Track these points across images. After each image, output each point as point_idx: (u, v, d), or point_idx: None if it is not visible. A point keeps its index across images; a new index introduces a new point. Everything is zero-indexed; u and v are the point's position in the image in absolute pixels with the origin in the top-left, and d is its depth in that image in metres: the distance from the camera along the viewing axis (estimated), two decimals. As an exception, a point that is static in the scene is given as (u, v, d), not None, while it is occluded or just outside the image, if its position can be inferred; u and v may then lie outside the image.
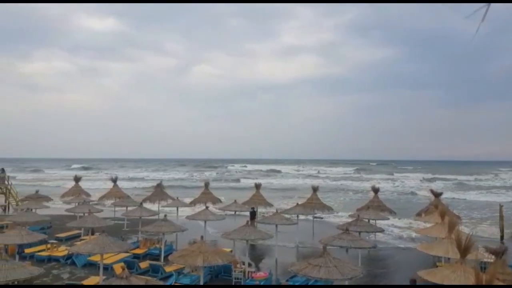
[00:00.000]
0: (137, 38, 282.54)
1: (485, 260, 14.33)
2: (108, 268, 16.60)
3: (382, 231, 23.41)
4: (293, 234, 23.78)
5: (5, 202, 35.66)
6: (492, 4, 2.78)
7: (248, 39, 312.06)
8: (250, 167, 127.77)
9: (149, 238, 22.47)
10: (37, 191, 32.41)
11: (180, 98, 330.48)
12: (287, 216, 22.61)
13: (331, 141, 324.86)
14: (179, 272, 16.84)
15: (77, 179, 34.82)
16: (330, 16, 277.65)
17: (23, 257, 18.59)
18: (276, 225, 20.54)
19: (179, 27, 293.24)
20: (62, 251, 19.96)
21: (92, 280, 15.72)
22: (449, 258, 14.59)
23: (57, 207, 32.52)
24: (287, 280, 15.99)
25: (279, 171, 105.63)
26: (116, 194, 32.55)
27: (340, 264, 11.63)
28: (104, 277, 14.82)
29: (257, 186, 31.09)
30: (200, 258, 13.20)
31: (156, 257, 19.53)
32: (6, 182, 36.10)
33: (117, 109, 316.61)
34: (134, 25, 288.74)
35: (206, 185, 32.79)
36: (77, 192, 33.30)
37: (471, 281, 9.51)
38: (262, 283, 15.74)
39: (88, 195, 33.29)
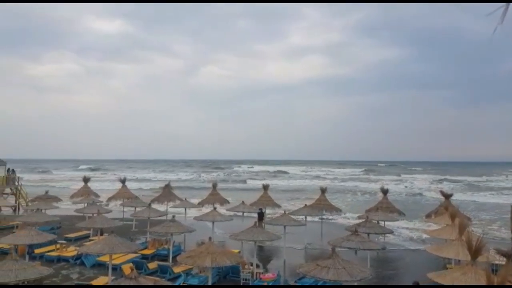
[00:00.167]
0: (145, 40, 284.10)
1: (496, 262, 14.23)
2: (116, 269, 16.64)
3: (391, 232, 23.21)
4: (301, 235, 23.72)
5: (15, 202, 36.00)
6: (505, 4, 2.70)
7: (256, 40, 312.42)
8: (257, 168, 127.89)
9: (158, 238, 22.55)
10: (46, 192, 32.70)
11: (187, 99, 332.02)
12: (295, 217, 22.53)
13: (339, 142, 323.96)
14: (187, 272, 16.91)
15: (86, 179, 35.18)
16: (338, 16, 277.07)
17: (33, 257, 18.73)
18: (284, 226, 20.49)
19: (187, 28, 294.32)
20: (71, 251, 20.13)
21: (101, 280, 15.85)
22: (459, 260, 14.43)
23: (66, 207, 32.75)
24: (295, 282, 15.94)
25: (286, 172, 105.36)
26: (125, 195, 32.81)
27: (349, 266, 11.56)
28: (113, 277, 14.89)
29: (265, 187, 31.06)
30: (208, 259, 13.22)
31: (165, 258, 19.59)
32: (16, 183, 36.47)
33: (125, 110, 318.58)
34: (142, 26, 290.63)
35: (214, 186, 32.89)
36: (86, 192, 33.63)
37: (482, 284, 9.39)
38: (270, 284, 15.71)
39: (97, 195, 33.59)
